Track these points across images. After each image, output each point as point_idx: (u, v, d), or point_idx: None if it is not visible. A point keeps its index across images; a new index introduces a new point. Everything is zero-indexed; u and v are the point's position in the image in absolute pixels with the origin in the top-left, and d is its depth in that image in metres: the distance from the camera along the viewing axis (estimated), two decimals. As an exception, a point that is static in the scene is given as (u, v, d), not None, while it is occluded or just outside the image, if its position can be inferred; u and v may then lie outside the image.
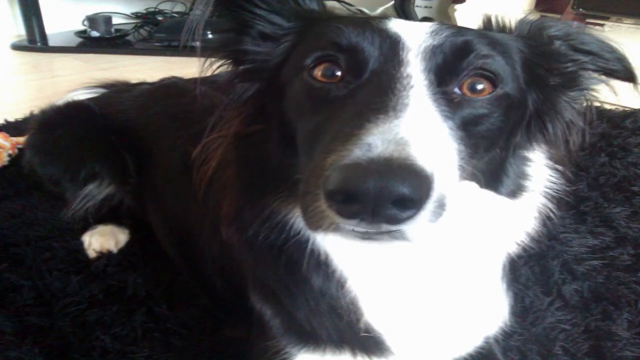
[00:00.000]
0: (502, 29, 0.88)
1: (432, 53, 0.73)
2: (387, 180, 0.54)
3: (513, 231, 0.91)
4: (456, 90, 0.74)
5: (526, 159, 0.90)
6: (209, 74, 0.90)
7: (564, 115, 0.87)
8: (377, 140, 0.58)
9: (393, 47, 0.73)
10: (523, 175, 0.89)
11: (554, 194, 0.91)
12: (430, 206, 0.59)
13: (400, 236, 0.61)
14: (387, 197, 0.55)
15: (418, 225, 0.59)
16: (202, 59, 0.88)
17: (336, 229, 0.62)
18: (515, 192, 0.87)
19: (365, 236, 0.63)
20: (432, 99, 0.70)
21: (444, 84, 0.73)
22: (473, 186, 0.82)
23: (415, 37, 0.75)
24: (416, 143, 0.59)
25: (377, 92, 0.68)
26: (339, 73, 0.75)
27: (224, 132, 0.93)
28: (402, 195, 0.55)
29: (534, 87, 0.84)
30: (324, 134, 0.69)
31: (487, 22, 0.89)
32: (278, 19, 0.86)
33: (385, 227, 0.59)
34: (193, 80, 1.70)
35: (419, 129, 0.62)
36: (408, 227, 0.59)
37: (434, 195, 0.58)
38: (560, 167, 0.93)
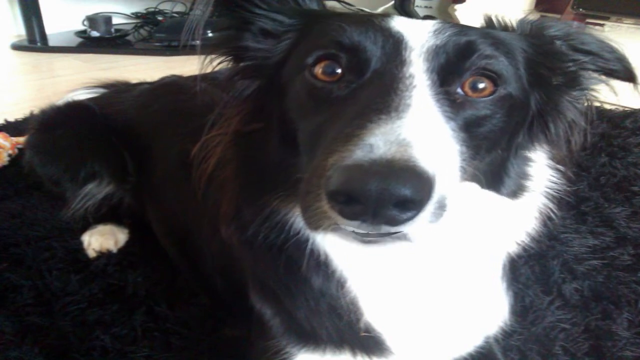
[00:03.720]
0: (505, 27, 0.87)
1: (434, 53, 0.72)
2: (388, 182, 0.54)
3: (513, 231, 0.91)
4: (459, 90, 0.74)
5: (527, 159, 0.89)
6: (209, 71, 0.90)
7: (567, 115, 0.87)
8: (379, 141, 0.58)
9: (396, 46, 0.73)
10: (524, 176, 0.88)
11: (554, 194, 0.91)
12: (430, 207, 0.59)
13: (400, 237, 0.61)
14: (389, 198, 0.55)
15: (418, 227, 0.60)
16: (203, 56, 0.88)
17: (336, 229, 0.63)
18: (516, 192, 0.87)
19: (365, 238, 0.63)
20: (435, 99, 0.69)
21: (447, 84, 0.73)
22: (474, 187, 0.82)
23: (418, 36, 0.74)
24: (418, 144, 0.59)
25: (380, 91, 0.68)
26: (339, 70, 0.74)
27: (223, 130, 0.93)
28: (404, 196, 0.55)
29: (537, 88, 0.84)
30: (325, 134, 0.68)
31: (489, 21, 0.88)
32: (279, 16, 0.85)
33: (385, 228, 0.59)
34: (193, 78, 1.70)
35: (421, 130, 0.62)
36: (408, 228, 0.60)
37: (435, 196, 0.59)
38: (561, 167, 0.93)
